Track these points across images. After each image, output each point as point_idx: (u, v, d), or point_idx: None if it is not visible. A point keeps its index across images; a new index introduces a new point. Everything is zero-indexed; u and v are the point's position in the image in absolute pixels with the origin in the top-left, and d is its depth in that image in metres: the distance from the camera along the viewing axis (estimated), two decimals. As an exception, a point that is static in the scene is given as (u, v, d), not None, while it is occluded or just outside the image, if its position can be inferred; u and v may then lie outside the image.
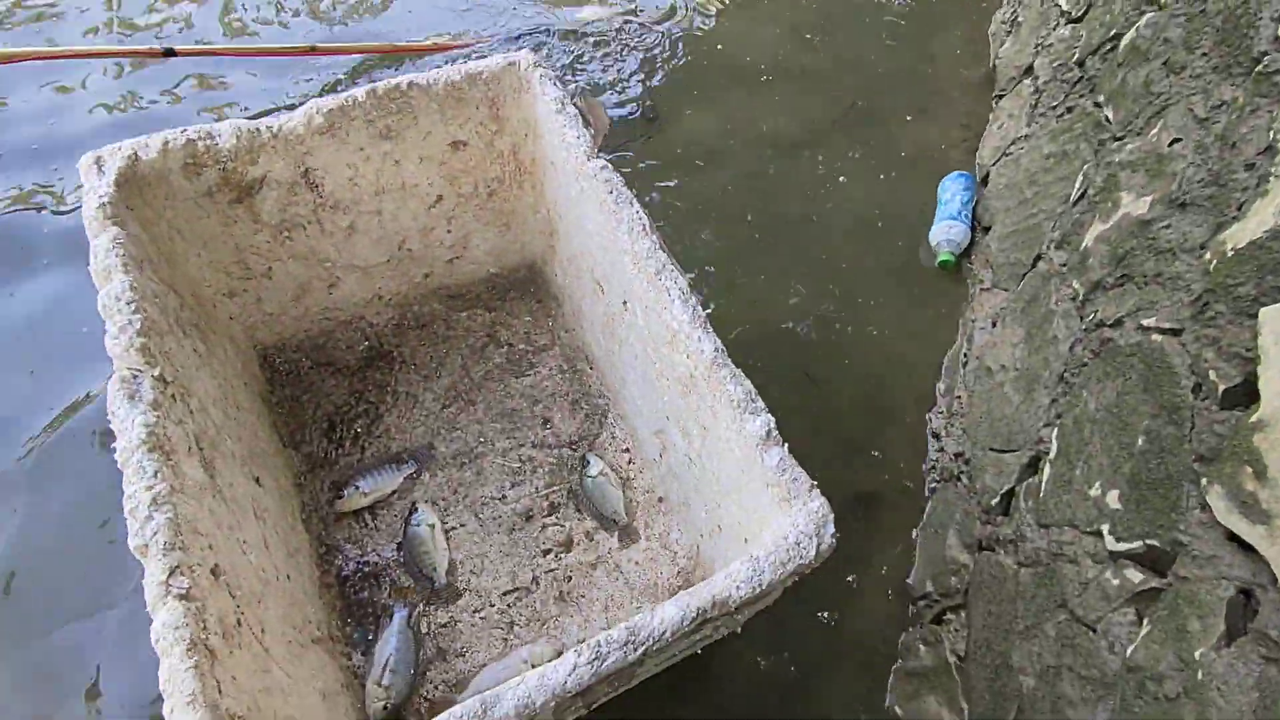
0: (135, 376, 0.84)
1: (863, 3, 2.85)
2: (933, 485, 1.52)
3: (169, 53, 1.92)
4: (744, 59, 2.47)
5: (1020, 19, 2.29)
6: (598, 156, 1.11)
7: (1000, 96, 2.20)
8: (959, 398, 1.58)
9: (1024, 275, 1.56)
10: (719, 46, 2.51)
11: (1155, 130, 1.27)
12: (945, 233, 1.91)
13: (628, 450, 1.38)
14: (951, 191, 2.01)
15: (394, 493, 1.28)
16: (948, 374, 1.68)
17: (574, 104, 1.14)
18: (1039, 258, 1.52)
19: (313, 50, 2.11)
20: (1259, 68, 1.04)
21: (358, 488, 1.24)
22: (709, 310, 1.72)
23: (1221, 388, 0.87)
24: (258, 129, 1.08)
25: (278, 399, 1.36)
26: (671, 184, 2.06)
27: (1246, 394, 0.84)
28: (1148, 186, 1.21)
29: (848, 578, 1.42)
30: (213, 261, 1.17)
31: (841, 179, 2.17)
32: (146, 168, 1.03)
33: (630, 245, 1.06)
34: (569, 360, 1.48)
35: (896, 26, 2.72)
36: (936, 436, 1.59)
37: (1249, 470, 0.79)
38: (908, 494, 1.54)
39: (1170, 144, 1.20)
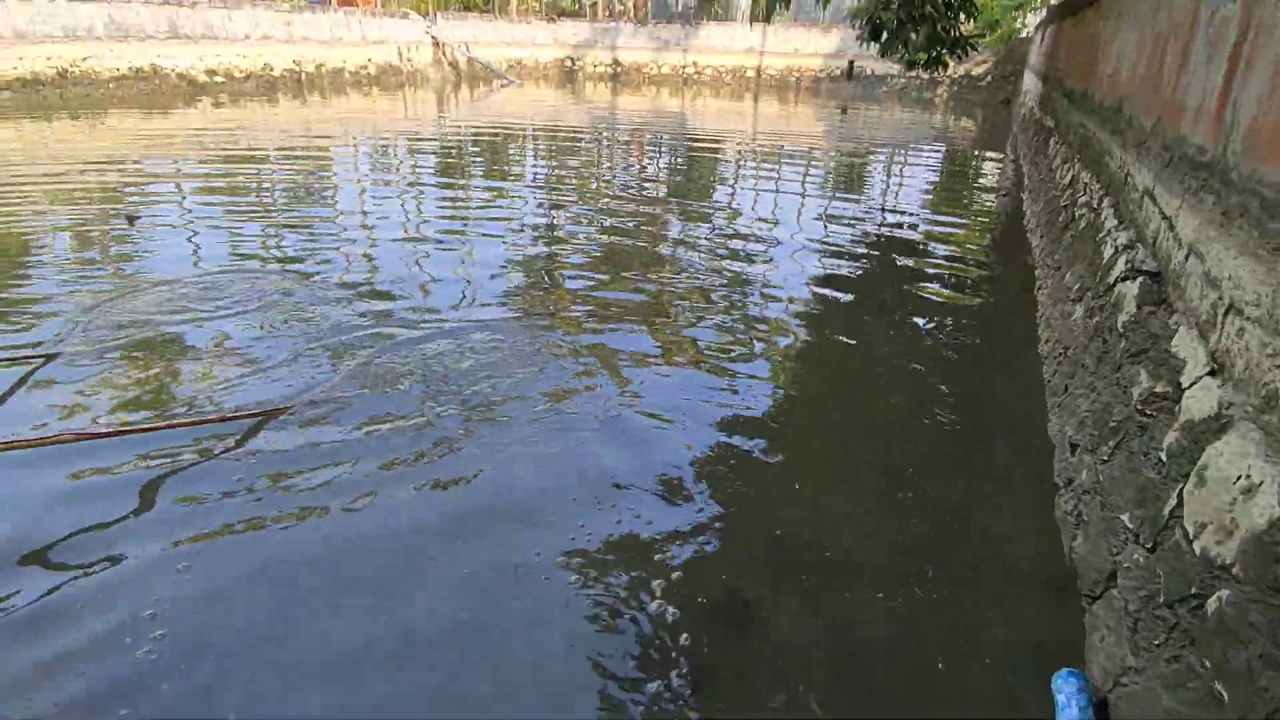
0: None
1: (915, 470, 3.08)
2: None
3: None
4: (826, 546, 2.60)
5: (1085, 516, 2.40)
6: None
7: (1091, 599, 2.19)
8: None
9: None
10: (809, 533, 2.67)
11: (1289, 746, 1.20)
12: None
13: None
14: (1066, 695, 1.90)
15: None
16: None
17: None
18: None
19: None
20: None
21: None
22: None
23: None
24: None
25: None
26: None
27: None
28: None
29: None
30: None
31: (942, 666, 2.08)
32: None
33: None
34: None
35: (954, 504, 2.88)
36: None
37: None
38: None
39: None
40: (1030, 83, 16.05)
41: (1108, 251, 3.33)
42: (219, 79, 19.92)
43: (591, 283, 5.33)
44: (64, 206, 6.89)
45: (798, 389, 3.84)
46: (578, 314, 4.67)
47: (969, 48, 7.81)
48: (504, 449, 3.08)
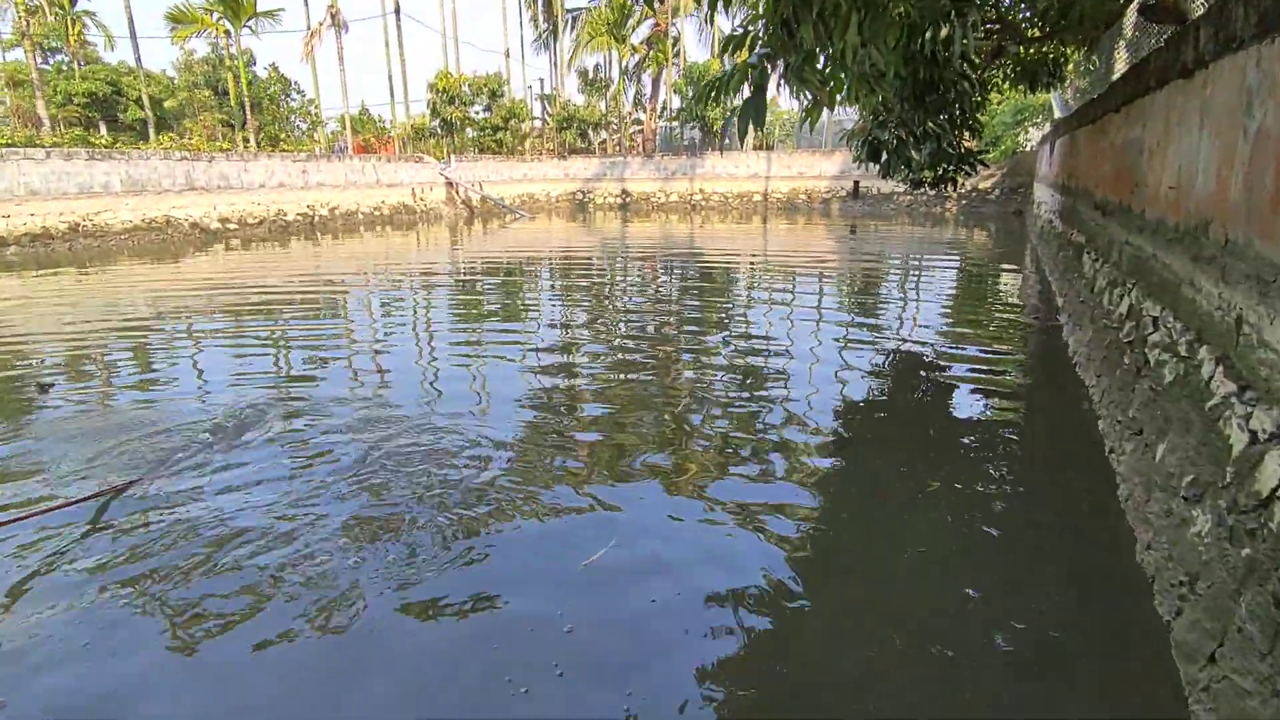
0: None
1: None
2: None
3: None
4: None
5: None
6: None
7: None
8: None
9: None
10: None
11: None
12: None
13: None
14: None
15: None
16: None
17: None
18: None
19: None
20: None
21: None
22: None
23: None
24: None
25: None
26: None
27: None
28: None
29: None
30: None
31: None
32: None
33: None
34: None
35: None
36: None
37: None
38: None
39: None
40: (1043, 194, 15.56)
41: (1236, 436, 2.28)
42: (231, 225, 20.37)
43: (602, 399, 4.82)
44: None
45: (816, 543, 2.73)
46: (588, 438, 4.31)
47: (976, 163, 7.20)
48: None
